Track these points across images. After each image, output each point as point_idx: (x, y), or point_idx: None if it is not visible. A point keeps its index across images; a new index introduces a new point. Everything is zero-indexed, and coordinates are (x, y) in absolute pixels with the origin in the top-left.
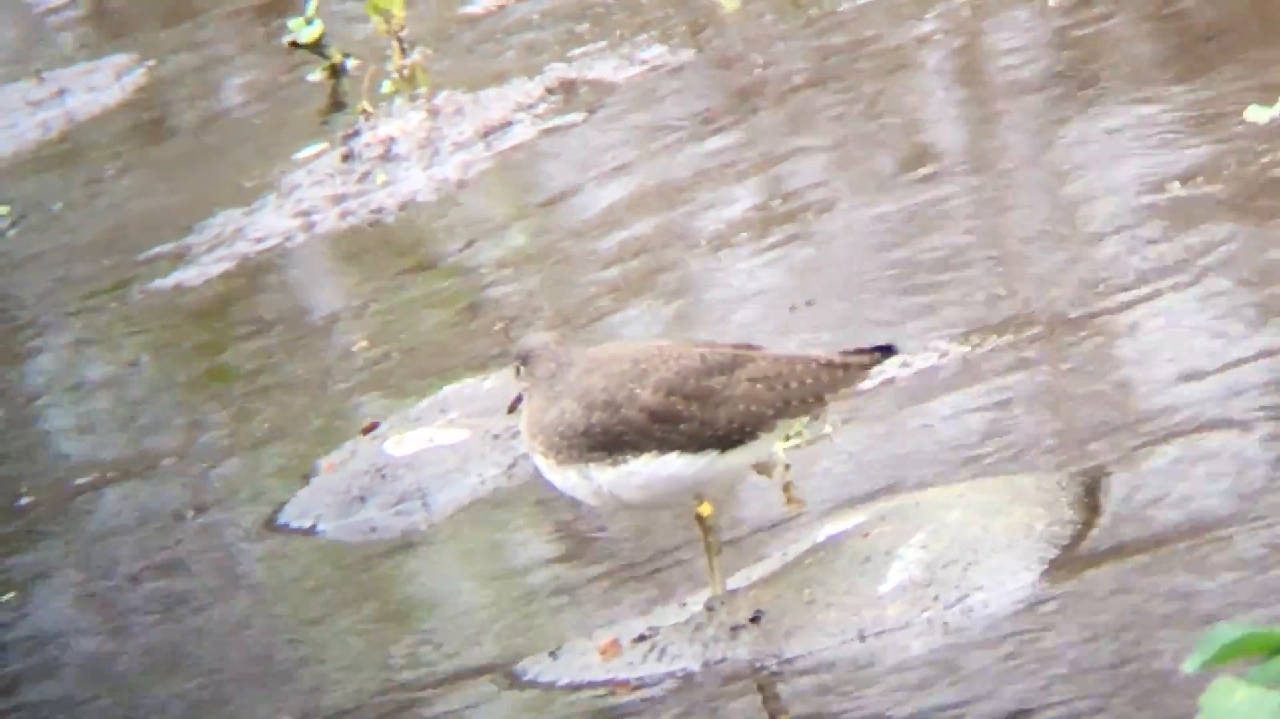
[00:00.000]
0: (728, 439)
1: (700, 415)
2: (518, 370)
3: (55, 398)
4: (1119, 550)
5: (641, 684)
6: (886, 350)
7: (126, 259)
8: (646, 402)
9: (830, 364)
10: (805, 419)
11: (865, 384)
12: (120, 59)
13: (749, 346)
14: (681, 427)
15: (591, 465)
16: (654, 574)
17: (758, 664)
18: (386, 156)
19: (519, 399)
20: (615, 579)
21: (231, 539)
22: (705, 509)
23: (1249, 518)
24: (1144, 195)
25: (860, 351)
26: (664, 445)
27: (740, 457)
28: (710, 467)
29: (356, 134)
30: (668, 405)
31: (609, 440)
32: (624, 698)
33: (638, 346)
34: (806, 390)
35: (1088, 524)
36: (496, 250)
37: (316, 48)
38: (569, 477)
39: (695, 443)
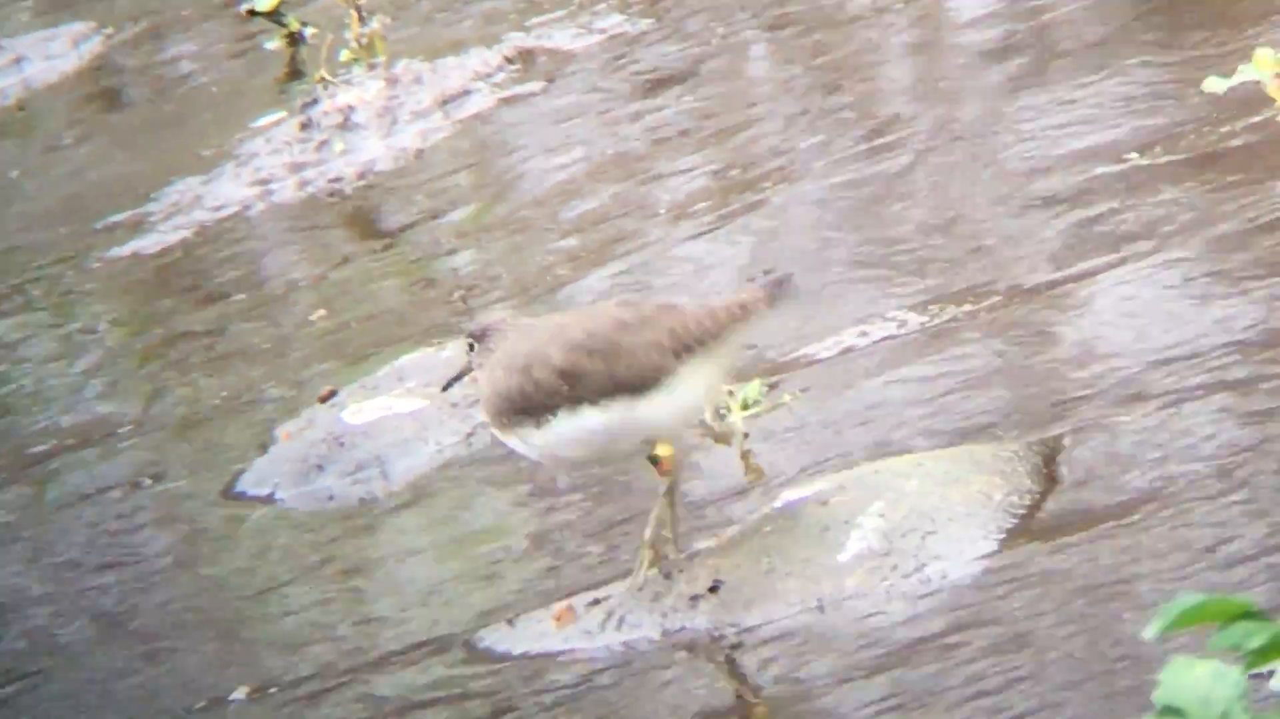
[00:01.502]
0: (633, 388)
1: (604, 369)
2: (470, 347)
3: (11, 366)
4: (1077, 520)
5: (598, 654)
6: (782, 283)
7: (84, 227)
8: (556, 362)
9: (729, 306)
10: (707, 358)
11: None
12: (78, 27)
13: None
14: (586, 381)
15: (524, 429)
16: (612, 544)
17: (716, 634)
18: (345, 125)
19: (458, 377)
20: (573, 548)
21: (189, 508)
22: (664, 450)
23: (1208, 487)
24: (1102, 165)
25: (761, 286)
26: (575, 402)
27: (655, 405)
28: (627, 416)
29: (315, 103)
30: (573, 363)
31: (529, 403)
32: (581, 668)
33: (571, 313)
34: (704, 332)
35: (1046, 494)
36: (455, 219)
37: (274, 16)
38: (513, 442)
39: (603, 395)
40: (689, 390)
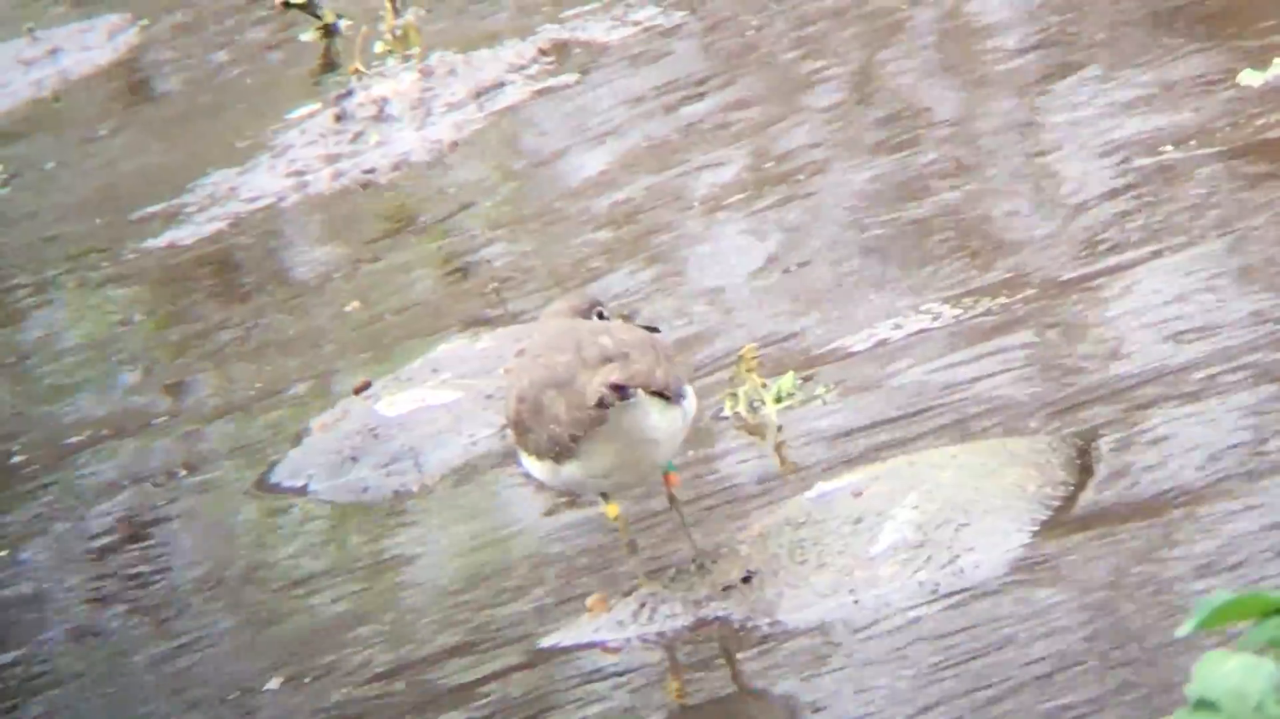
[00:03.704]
0: (554, 455)
1: (534, 430)
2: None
3: (47, 356)
4: (1111, 513)
5: (630, 646)
6: (623, 393)
7: (119, 218)
8: (510, 408)
9: (601, 400)
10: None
11: (856, 347)
12: (113, 18)
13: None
14: (527, 437)
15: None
16: (646, 536)
17: (749, 625)
18: (379, 117)
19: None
20: (607, 539)
21: (223, 499)
22: (611, 511)
23: (1242, 481)
24: (1137, 159)
25: (617, 390)
26: (525, 448)
27: (575, 469)
28: (558, 474)
29: (349, 94)
30: (518, 414)
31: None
32: (614, 659)
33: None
34: (581, 420)
35: (1080, 486)
36: (489, 211)
37: (309, 7)
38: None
39: (535, 451)
40: (599, 461)
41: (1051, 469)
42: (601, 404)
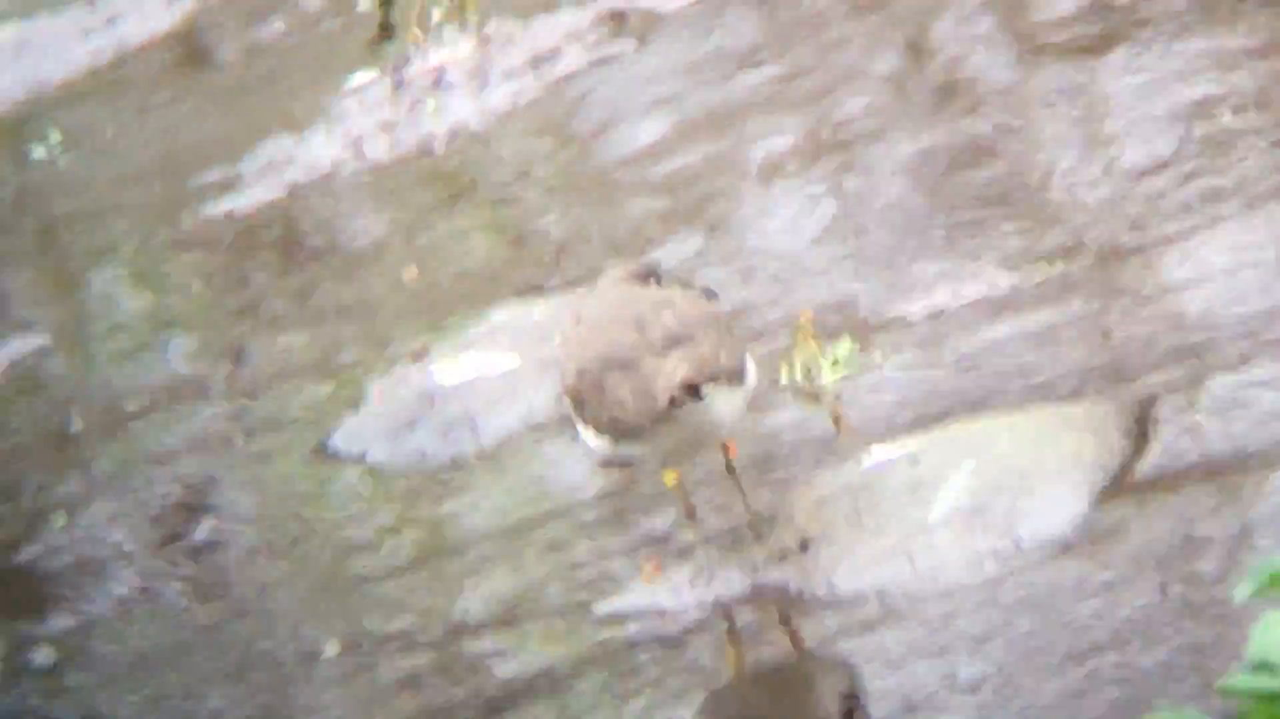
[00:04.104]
0: (616, 433)
1: (592, 407)
2: None
3: (105, 324)
4: (1169, 480)
5: (687, 612)
6: (694, 392)
7: (177, 186)
8: (569, 380)
9: (673, 399)
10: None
11: (913, 314)
12: None
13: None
14: (584, 411)
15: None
16: (699, 501)
17: (805, 591)
18: (437, 85)
19: None
20: (661, 505)
21: (281, 464)
22: (668, 478)
23: None
24: (1194, 125)
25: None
26: (582, 420)
27: (635, 449)
28: (616, 450)
29: (407, 62)
30: (577, 388)
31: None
32: (666, 625)
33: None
34: (651, 413)
35: (1138, 453)
36: (545, 178)
37: None
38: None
39: (593, 428)
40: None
41: (1109, 436)
42: (673, 403)
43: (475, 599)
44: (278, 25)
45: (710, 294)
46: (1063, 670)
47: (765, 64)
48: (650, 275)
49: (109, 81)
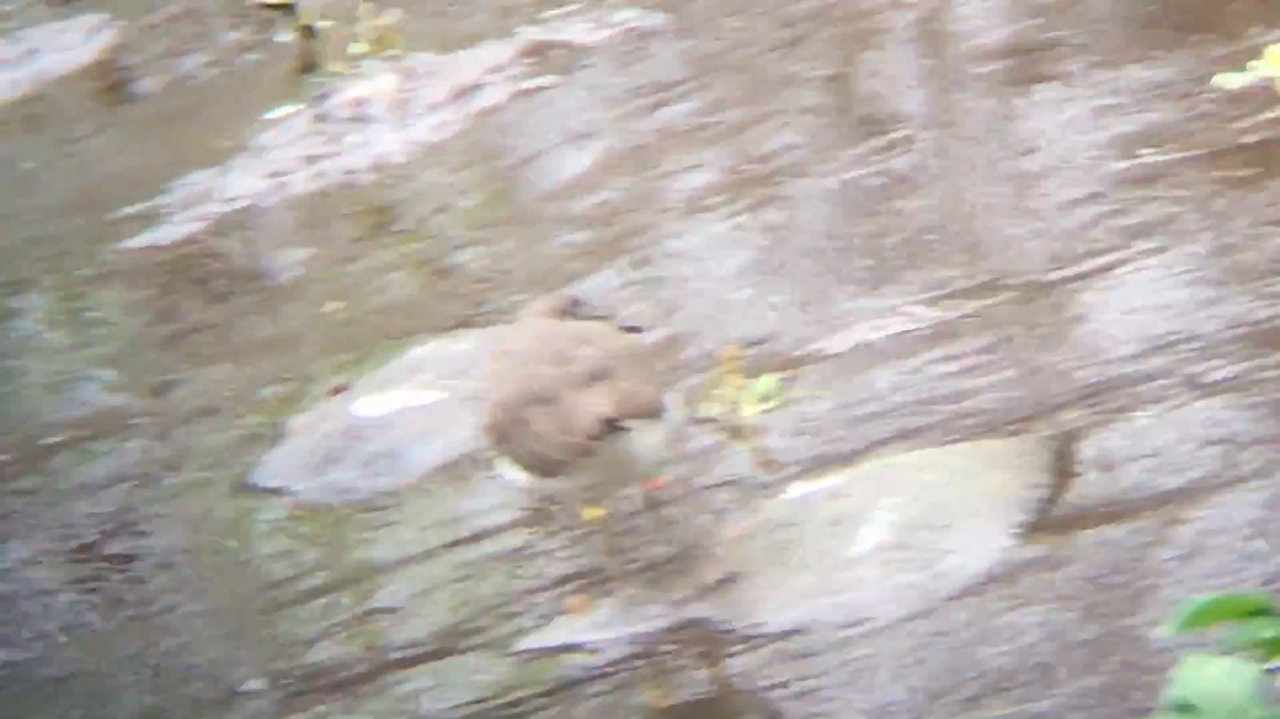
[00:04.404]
0: (533, 469)
1: (513, 442)
2: None
3: (25, 356)
4: (1091, 516)
5: (610, 647)
6: (614, 426)
7: (98, 218)
8: (489, 415)
9: (593, 434)
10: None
11: (835, 349)
12: (91, 18)
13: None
14: (505, 447)
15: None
16: (627, 536)
17: (730, 626)
18: (358, 118)
19: None
20: (588, 539)
21: (201, 499)
22: (590, 514)
23: (1222, 484)
24: (1114, 161)
25: (609, 423)
26: (502, 455)
27: (556, 484)
28: (538, 484)
29: (328, 95)
30: (497, 423)
31: (489, 440)
32: (589, 660)
33: (536, 337)
34: (571, 448)
35: (1060, 489)
36: (468, 212)
37: (287, 8)
38: None
39: (514, 463)
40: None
41: (1032, 471)
42: (593, 437)
43: (398, 634)
44: (198, 58)
45: (632, 329)
46: (985, 706)
47: (688, 98)
48: (572, 309)
49: (29, 114)
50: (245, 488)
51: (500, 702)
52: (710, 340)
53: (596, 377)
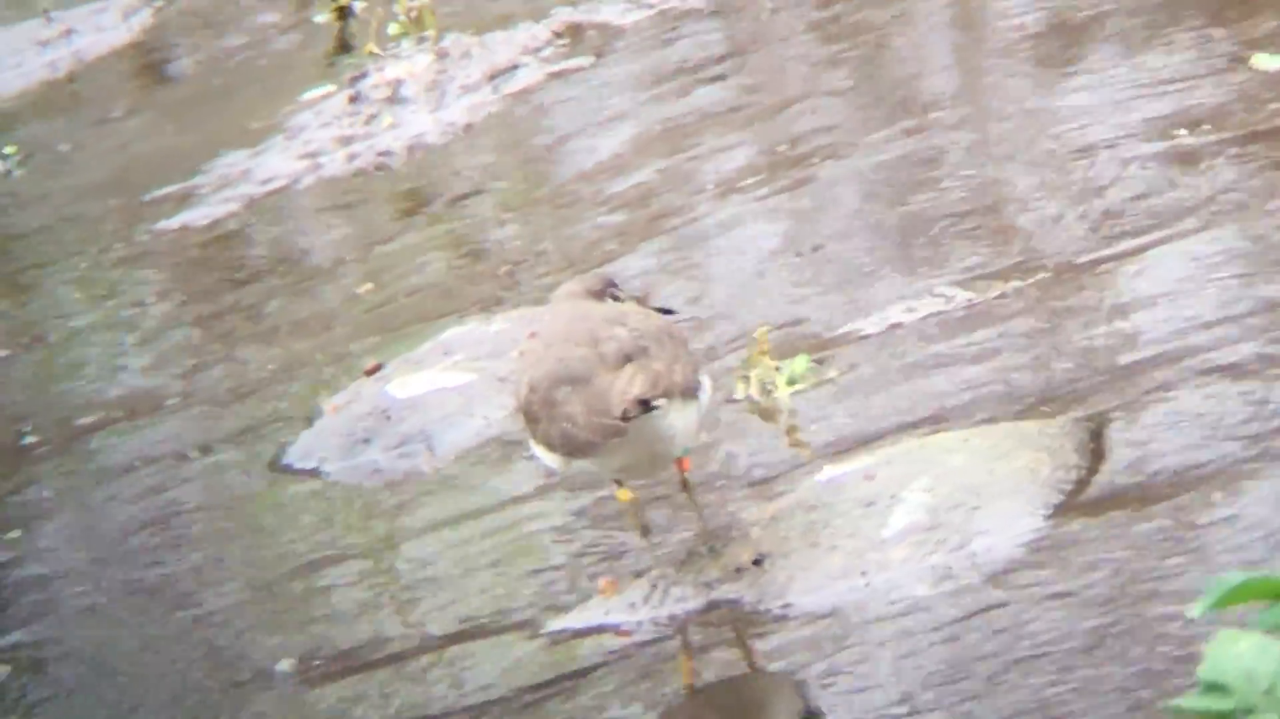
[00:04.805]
0: (565, 449)
1: (544, 423)
2: None
3: (60, 338)
4: (1124, 496)
5: (641, 628)
6: (646, 406)
7: (133, 199)
8: (521, 396)
9: (625, 413)
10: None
11: (868, 330)
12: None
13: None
14: (537, 427)
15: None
16: (657, 517)
17: (761, 607)
18: (394, 99)
19: None
20: (618, 521)
21: (235, 480)
22: (622, 495)
23: (1254, 466)
24: (1150, 142)
25: (641, 403)
26: (534, 437)
27: (588, 465)
28: (568, 466)
29: (364, 76)
30: (529, 404)
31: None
32: (624, 641)
33: (570, 318)
34: (603, 428)
35: (1092, 470)
36: (502, 193)
37: None
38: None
39: (546, 443)
40: (614, 459)
41: (1064, 453)
42: (625, 417)
43: (430, 615)
44: (234, 39)
45: (666, 310)
46: (1016, 686)
47: (722, 79)
48: (606, 289)
49: (65, 94)
50: (279, 468)
51: (532, 682)
52: (743, 321)
53: (629, 357)
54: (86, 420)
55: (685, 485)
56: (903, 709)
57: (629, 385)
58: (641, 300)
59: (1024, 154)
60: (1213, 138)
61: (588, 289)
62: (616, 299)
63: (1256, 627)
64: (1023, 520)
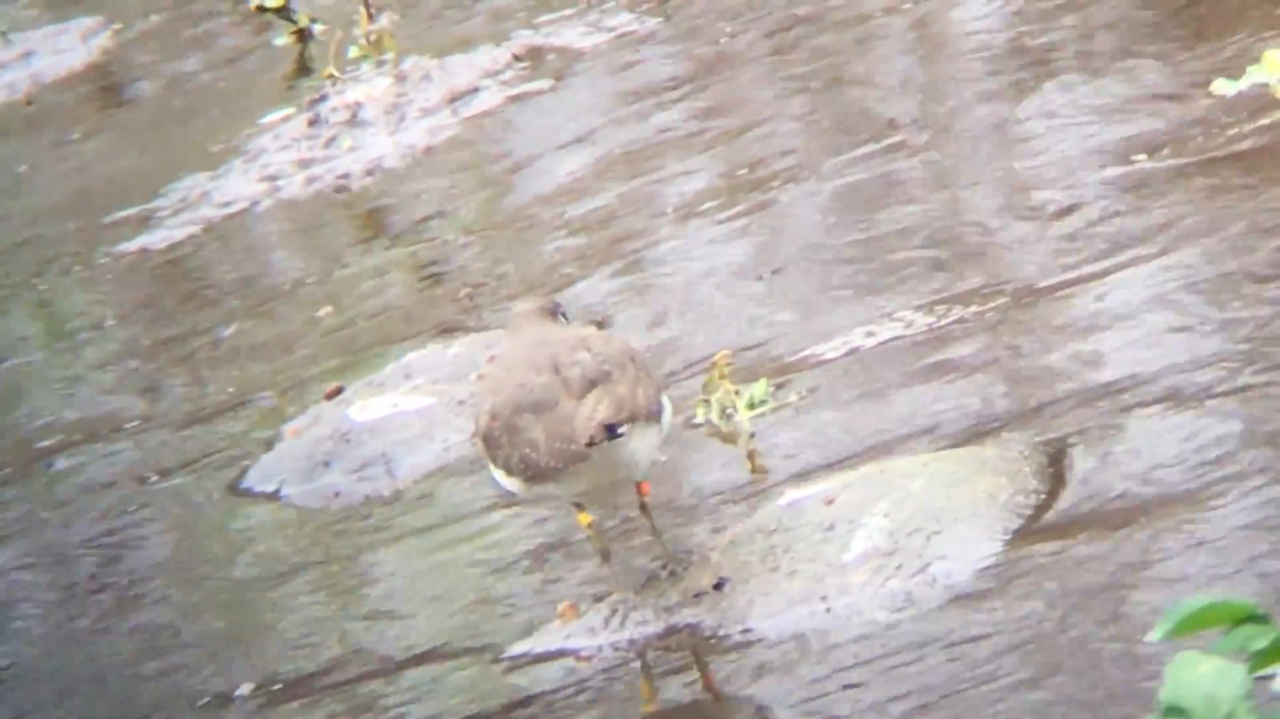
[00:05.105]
0: (527, 476)
1: (506, 449)
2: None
3: (19, 360)
4: (1083, 521)
5: (601, 653)
6: (612, 432)
7: (92, 222)
8: (482, 423)
9: (591, 439)
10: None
11: (828, 354)
12: (87, 21)
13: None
14: (498, 453)
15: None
16: (616, 541)
17: (721, 632)
18: (353, 122)
19: None
20: (578, 545)
21: (195, 503)
22: (583, 519)
23: (1213, 491)
24: (1110, 167)
25: (607, 429)
26: (495, 463)
27: (549, 490)
28: (529, 491)
29: (323, 99)
30: (489, 430)
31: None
32: (583, 667)
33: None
34: (566, 455)
35: (1051, 495)
36: (462, 216)
37: (283, 11)
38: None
39: (506, 469)
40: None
41: (1023, 477)
42: (590, 443)
43: (389, 639)
44: (194, 61)
45: (625, 334)
46: (975, 711)
47: (682, 103)
48: (555, 311)
49: (24, 117)
50: (239, 492)
51: (490, 707)
52: (704, 345)
53: (593, 383)
54: (46, 443)
55: (645, 509)
56: None
57: (594, 412)
58: (600, 325)
59: (984, 178)
60: (1173, 162)
61: (542, 308)
62: (567, 319)
63: (1216, 652)
64: (982, 545)
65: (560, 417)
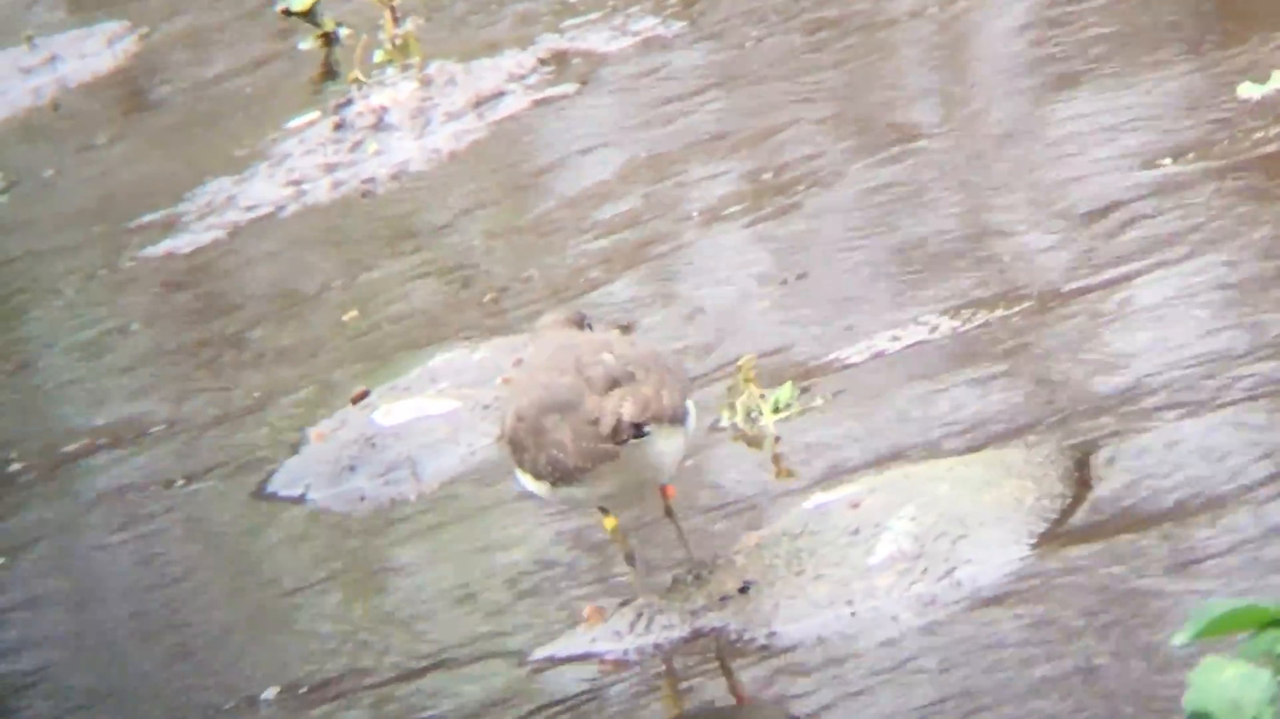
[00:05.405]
0: (553, 479)
1: (532, 451)
2: None
3: (45, 364)
4: (1108, 525)
5: (626, 657)
6: (637, 430)
7: (118, 226)
8: (508, 425)
9: (612, 434)
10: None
11: (853, 358)
12: (113, 26)
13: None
14: (524, 456)
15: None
16: (642, 545)
17: (746, 636)
18: (379, 126)
19: None
20: (603, 549)
21: (220, 507)
22: (608, 524)
23: (1239, 494)
24: (1136, 171)
25: (635, 427)
26: (521, 466)
27: (575, 492)
28: (555, 493)
29: (349, 103)
30: (515, 432)
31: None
32: (608, 671)
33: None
34: (594, 454)
35: (1077, 499)
36: (487, 220)
37: (309, 16)
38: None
39: (533, 472)
40: (596, 488)
41: (1049, 481)
42: (616, 440)
43: (414, 642)
44: (219, 66)
45: (651, 337)
46: (1001, 715)
47: (707, 107)
48: (581, 322)
49: (49, 121)
50: (264, 496)
51: (516, 711)
52: (728, 349)
53: (617, 382)
54: (71, 447)
55: (669, 513)
56: None
57: (618, 408)
58: (626, 330)
59: (1010, 182)
60: (1198, 166)
61: (568, 319)
62: (591, 329)
63: (1241, 655)
64: (1008, 549)
65: (585, 415)
